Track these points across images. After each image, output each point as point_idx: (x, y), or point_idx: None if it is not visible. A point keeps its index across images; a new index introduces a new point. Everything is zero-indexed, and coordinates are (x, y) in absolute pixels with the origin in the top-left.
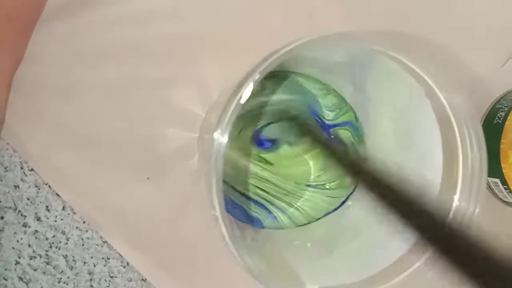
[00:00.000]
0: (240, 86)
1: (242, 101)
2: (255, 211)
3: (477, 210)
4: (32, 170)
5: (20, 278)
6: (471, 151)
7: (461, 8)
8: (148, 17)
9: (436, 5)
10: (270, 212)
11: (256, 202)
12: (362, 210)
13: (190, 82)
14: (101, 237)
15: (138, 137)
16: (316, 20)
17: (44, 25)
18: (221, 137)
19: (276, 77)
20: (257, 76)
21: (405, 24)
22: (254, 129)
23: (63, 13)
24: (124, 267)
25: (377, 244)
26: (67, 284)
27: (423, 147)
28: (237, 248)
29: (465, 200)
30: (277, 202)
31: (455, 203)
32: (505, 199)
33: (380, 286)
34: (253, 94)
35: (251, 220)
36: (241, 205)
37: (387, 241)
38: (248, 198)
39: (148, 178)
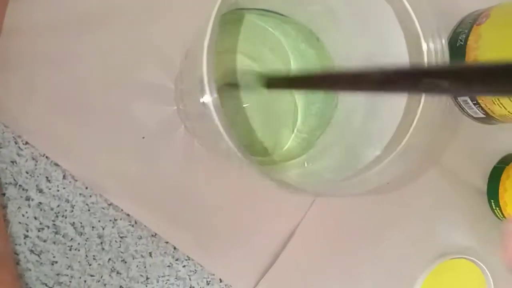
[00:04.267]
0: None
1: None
2: None
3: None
4: (27, 143)
5: (31, 251)
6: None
7: None
8: None
9: None
10: None
11: None
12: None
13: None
14: (105, 200)
15: (129, 100)
16: None
17: None
18: (212, 97)
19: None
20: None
21: None
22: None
23: None
24: (133, 226)
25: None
26: (79, 250)
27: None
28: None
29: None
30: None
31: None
32: (475, 115)
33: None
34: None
35: None
36: None
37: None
38: None
39: (143, 138)
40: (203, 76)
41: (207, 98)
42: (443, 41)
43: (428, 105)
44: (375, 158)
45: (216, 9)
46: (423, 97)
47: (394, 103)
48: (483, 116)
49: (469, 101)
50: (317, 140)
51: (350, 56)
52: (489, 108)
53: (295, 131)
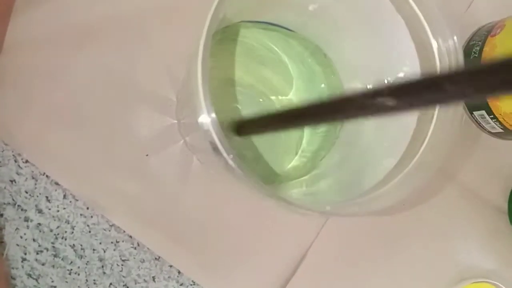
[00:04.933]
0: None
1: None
2: None
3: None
4: (27, 161)
5: (29, 275)
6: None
7: None
8: None
9: None
10: None
11: None
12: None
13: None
14: (107, 221)
15: (130, 115)
16: None
17: (21, 12)
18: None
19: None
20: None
21: None
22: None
23: None
24: (135, 248)
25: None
26: (79, 274)
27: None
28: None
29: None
30: None
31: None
32: (493, 130)
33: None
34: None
35: None
36: None
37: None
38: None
39: (147, 155)
40: (199, 97)
41: (205, 118)
42: (457, 46)
43: (441, 120)
44: (384, 177)
45: (206, 27)
46: (436, 113)
47: (405, 119)
48: (501, 130)
49: (486, 115)
50: (322, 160)
51: (359, 72)
52: (507, 122)
53: (299, 151)
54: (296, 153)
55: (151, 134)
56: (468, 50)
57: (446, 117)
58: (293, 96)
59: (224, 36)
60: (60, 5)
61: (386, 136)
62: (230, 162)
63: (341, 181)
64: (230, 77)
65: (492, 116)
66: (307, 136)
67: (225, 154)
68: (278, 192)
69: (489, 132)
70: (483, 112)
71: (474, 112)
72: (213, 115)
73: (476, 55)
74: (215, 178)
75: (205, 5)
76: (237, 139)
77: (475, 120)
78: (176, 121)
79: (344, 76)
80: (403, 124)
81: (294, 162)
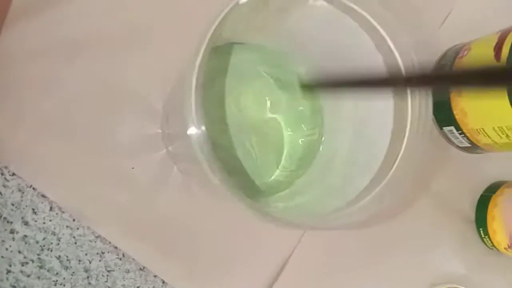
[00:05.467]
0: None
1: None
2: None
3: None
4: (13, 174)
5: (14, 287)
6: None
7: None
8: (113, 7)
9: None
10: None
11: None
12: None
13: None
14: (93, 232)
15: (118, 129)
16: None
17: (13, 24)
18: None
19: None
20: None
21: None
22: None
23: (29, 11)
24: (120, 259)
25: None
26: (64, 285)
27: None
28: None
29: None
30: None
31: None
32: (461, 145)
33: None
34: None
35: None
36: None
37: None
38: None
39: (132, 168)
40: (191, 110)
41: (193, 130)
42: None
43: (412, 138)
44: (362, 191)
45: (204, 45)
46: (408, 130)
47: (380, 135)
48: (469, 145)
49: (454, 131)
50: (303, 175)
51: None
52: (474, 138)
53: (280, 164)
54: (277, 165)
55: (136, 144)
56: (438, 68)
57: (417, 135)
58: (277, 114)
59: (215, 53)
60: (51, 18)
61: (362, 152)
62: (213, 173)
63: (320, 196)
64: (217, 93)
65: (460, 131)
66: (288, 152)
67: (208, 166)
68: (257, 205)
69: (457, 146)
70: (452, 127)
71: (443, 128)
72: (203, 127)
73: None
74: (195, 188)
75: (194, 19)
76: (221, 152)
77: (445, 135)
78: (160, 131)
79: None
80: (377, 139)
81: (275, 176)
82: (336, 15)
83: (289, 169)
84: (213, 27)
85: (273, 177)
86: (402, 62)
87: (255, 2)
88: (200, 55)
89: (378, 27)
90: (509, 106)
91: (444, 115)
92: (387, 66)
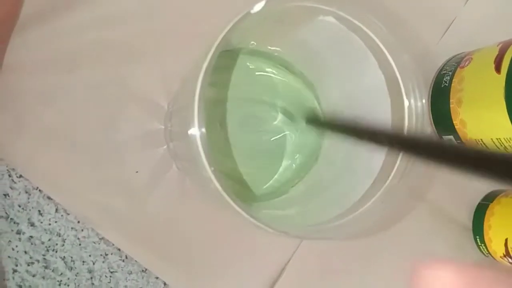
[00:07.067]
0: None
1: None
2: None
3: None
4: (20, 176)
5: (19, 286)
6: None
7: None
8: (113, 18)
9: None
10: None
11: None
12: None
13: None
14: (97, 234)
15: (121, 133)
16: None
17: (18, 34)
18: (199, 132)
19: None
20: (209, 56)
21: None
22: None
23: (36, 21)
24: (123, 260)
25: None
26: (68, 285)
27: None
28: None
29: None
30: None
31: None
32: None
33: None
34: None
35: None
36: None
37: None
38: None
39: (137, 172)
40: (194, 111)
41: (194, 131)
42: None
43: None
44: (358, 202)
45: (212, 50)
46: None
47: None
48: None
49: (454, 140)
50: (298, 183)
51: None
52: None
53: (277, 173)
54: (274, 174)
55: (141, 153)
56: (439, 78)
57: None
58: (280, 122)
59: (222, 57)
60: (54, 29)
61: (358, 165)
62: (211, 175)
63: (315, 205)
64: (221, 97)
65: (459, 141)
66: (286, 163)
67: (207, 168)
68: (252, 211)
69: None
70: (452, 137)
71: (443, 137)
72: (203, 129)
73: (446, 85)
74: (191, 187)
75: (195, 27)
76: (219, 155)
77: None
78: (163, 127)
79: (324, 103)
80: (374, 151)
81: (270, 183)
82: (343, 32)
83: (285, 178)
84: (223, 34)
85: (268, 184)
86: (402, 82)
87: (267, 12)
88: (208, 59)
89: (382, 46)
90: (508, 119)
91: (444, 124)
92: (388, 86)
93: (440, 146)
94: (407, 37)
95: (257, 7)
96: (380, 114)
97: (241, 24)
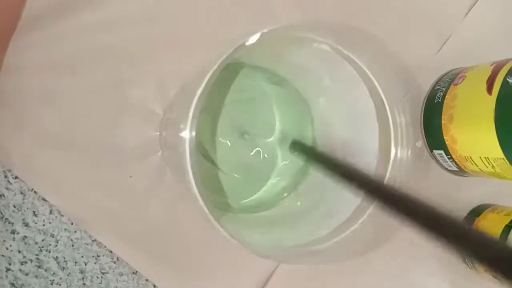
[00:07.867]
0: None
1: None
2: None
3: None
4: (16, 177)
5: (12, 284)
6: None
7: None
8: (115, 23)
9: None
10: None
11: None
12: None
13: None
14: (90, 236)
15: (118, 137)
16: (271, 16)
17: (20, 37)
18: (189, 135)
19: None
20: (211, 70)
21: (354, 19)
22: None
23: (38, 24)
24: (115, 262)
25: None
26: (60, 285)
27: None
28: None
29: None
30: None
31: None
32: (449, 168)
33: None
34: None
35: None
36: None
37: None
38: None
39: (130, 177)
40: (190, 112)
41: (186, 134)
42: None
43: (397, 162)
44: (346, 221)
45: (217, 65)
46: (392, 154)
47: (366, 159)
48: (457, 169)
49: (444, 155)
50: (281, 202)
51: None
52: (462, 163)
53: (265, 185)
54: (261, 187)
55: (137, 157)
56: (432, 94)
57: (401, 161)
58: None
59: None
60: (55, 33)
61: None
62: (192, 181)
63: (301, 224)
64: (217, 107)
65: (449, 156)
66: (275, 179)
67: (190, 176)
68: (229, 222)
69: (446, 169)
70: (442, 152)
71: (434, 151)
72: (193, 133)
73: (439, 100)
74: (184, 194)
75: (194, 36)
76: (209, 166)
77: (434, 157)
78: (158, 133)
79: (317, 122)
80: (364, 167)
81: (256, 196)
82: (337, 60)
83: (273, 193)
84: (220, 60)
85: (254, 197)
86: (390, 113)
87: (265, 40)
88: (209, 74)
89: (372, 77)
90: (496, 140)
91: (435, 139)
92: (377, 116)
93: (409, 202)
94: (403, 49)
95: (252, 40)
96: (368, 139)
97: (239, 50)
